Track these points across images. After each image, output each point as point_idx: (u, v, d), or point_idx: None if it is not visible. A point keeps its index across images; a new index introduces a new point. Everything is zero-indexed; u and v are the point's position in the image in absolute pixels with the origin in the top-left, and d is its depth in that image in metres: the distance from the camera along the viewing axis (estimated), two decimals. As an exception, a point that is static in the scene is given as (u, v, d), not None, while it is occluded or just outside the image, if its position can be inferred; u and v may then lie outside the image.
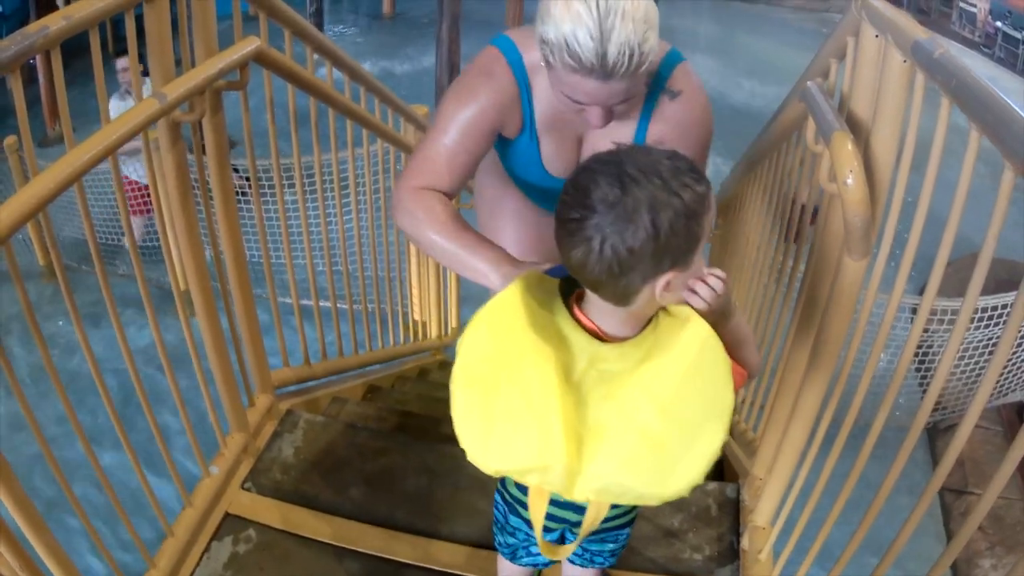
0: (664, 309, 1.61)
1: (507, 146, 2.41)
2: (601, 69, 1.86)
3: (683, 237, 1.44)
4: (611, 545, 2.16)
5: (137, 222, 6.81)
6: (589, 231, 1.41)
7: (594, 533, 2.09)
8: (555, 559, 1.93)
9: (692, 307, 1.59)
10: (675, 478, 1.52)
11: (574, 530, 2.04)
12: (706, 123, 2.28)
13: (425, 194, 2.12)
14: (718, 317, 1.61)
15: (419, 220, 2.08)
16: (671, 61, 2.21)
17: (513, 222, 2.79)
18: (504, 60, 2.19)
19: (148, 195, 6.36)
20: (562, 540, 2.12)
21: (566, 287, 1.67)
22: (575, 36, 1.82)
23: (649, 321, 1.62)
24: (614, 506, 1.97)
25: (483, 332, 1.60)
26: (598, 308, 1.59)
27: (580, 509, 1.88)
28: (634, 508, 2.07)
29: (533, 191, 2.61)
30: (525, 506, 1.99)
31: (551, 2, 1.87)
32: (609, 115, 2.04)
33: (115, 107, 6.38)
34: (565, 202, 1.46)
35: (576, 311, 1.63)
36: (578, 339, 1.58)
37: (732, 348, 1.64)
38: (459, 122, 2.16)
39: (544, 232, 2.70)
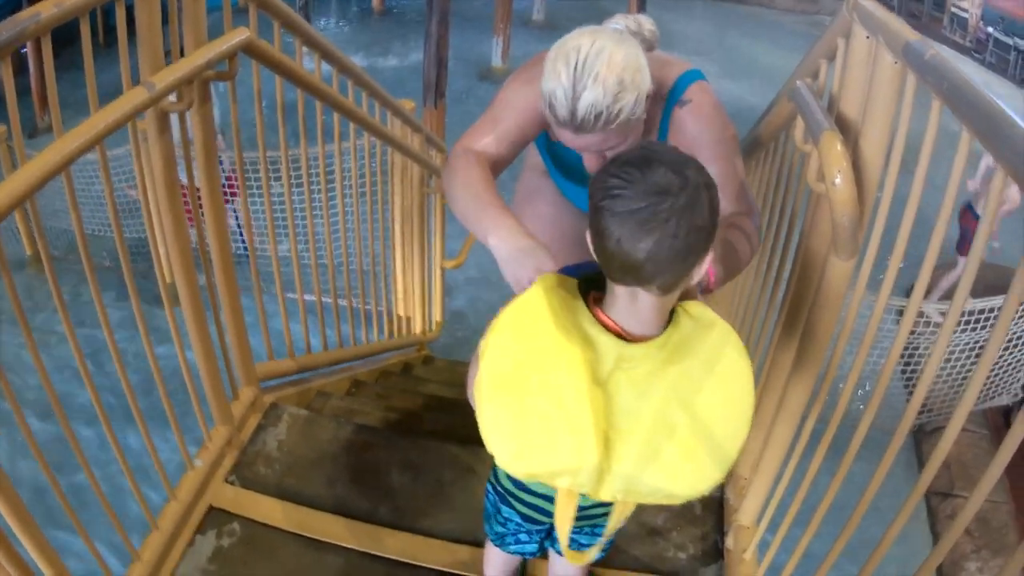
0: (683, 307, 1.62)
1: (551, 146, 2.59)
2: (571, 124, 2.04)
3: (717, 215, 1.50)
4: (601, 538, 2.16)
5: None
6: (664, 215, 1.42)
7: (588, 524, 2.09)
8: (579, 563, 1.94)
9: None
10: (700, 478, 1.55)
11: (584, 528, 2.06)
12: (719, 117, 2.36)
13: (469, 154, 2.27)
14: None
15: (456, 173, 2.21)
16: (687, 79, 2.34)
17: (550, 208, 2.92)
18: None
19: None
20: (550, 532, 2.14)
21: (584, 287, 1.67)
22: (554, 94, 2.02)
23: (668, 320, 1.62)
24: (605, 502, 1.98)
25: (508, 336, 1.60)
26: (620, 308, 1.59)
27: (579, 506, 1.88)
28: None
29: (570, 190, 2.75)
30: (517, 498, 2.02)
31: (549, 57, 2.05)
32: (601, 157, 2.20)
33: None
34: (621, 195, 1.45)
35: (598, 312, 1.62)
36: (603, 340, 1.58)
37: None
38: (517, 97, 2.34)
39: (567, 225, 2.85)
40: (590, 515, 2.04)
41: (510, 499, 2.07)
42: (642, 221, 1.43)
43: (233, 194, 6.04)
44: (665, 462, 1.53)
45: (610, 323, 1.60)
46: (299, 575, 2.71)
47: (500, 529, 2.20)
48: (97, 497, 2.32)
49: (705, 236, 1.47)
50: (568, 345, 1.54)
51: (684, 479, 1.54)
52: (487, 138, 2.31)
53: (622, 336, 1.59)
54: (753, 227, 2.28)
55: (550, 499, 1.92)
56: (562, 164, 2.65)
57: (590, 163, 2.26)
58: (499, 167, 2.33)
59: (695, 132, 2.33)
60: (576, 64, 1.98)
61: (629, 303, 1.56)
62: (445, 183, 2.25)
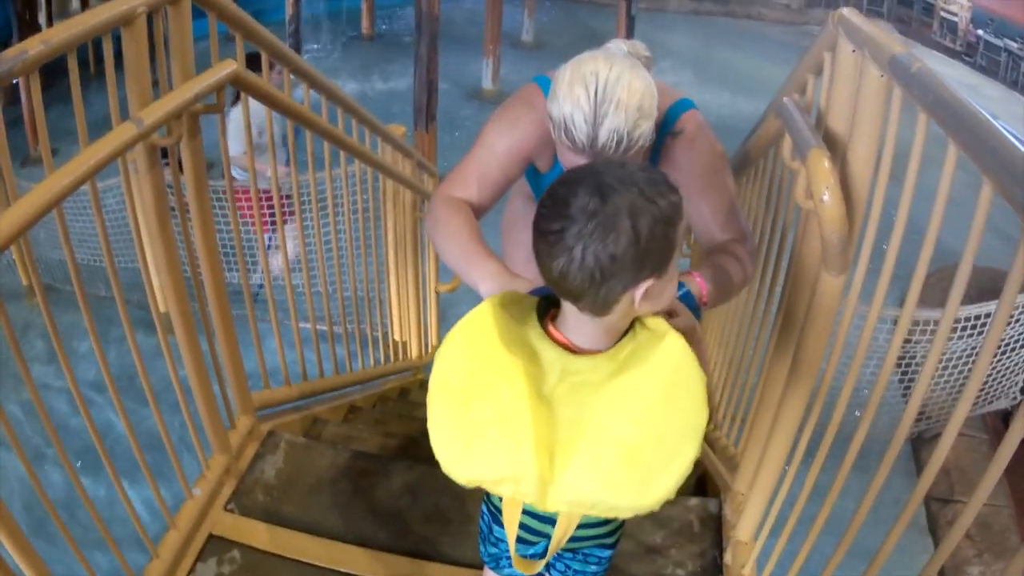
0: (640, 323, 1.63)
1: (538, 178, 2.59)
2: (591, 150, 2.03)
3: (661, 243, 1.48)
4: (593, 567, 2.17)
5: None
6: (570, 240, 1.43)
7: (577, 551, 2.10)
8: (528, 573, 1.94)
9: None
10: (648, 491, 1.53)
11: (576, 555, 2.06)
12: (710, 147, 2.40)
13: (451, 202, 2.30)
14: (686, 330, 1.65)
15: (439, 224, 2.25)
16: (679, 109, 2.39)
17: (527, 233, 2.89)
18: (543, 97, 2.33)
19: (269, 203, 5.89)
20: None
21: (543, 307, 1.69)
22: (572, 118, 2.00)
23: (624, 334, 1.64)
24: (593, 524, 1.99)
25: (458, 346, 1.63)
26: (572, 323, 1.61)
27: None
28: (618, 527, 2.08)
29: None
30: (522, 526, 2.00)
31: (560, 80, 2.05)
32: None
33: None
34: (543, 215, 1.48)
35: (550, 327, 1.65)
36: (549, 352, 1.60)
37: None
38: (499, 142, 2.37)
39: None
40: (577, 539, 2.04)
41: (500, 517, 2.08)
42: (551, 243, 1.46)
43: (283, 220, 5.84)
44: (608, 473, 1.53)
45: (560, 337, 1.63)
46: (300, 602, 2.71)
47: (494, 551, 2.21)
48: (96, 526, 2.33)
49: (627, 263, 1.45)
50: (510, 357, 1.58)
51: (628, 491, 1.54)
52: (470, 188, 2.34)
53: (570, 349, 1.61)
54: (745, 252, 2.30)
55: (538, 517, 1.93)
56: None
57: None
58: (482, 211, 2.37)
59: (686, 163, 2.35)
60: (596, 89, 1.98)
61: (575, 318, 1.59)
62: (431, 232, 2.28)
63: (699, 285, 2.07)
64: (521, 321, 1.66)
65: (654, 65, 2.30)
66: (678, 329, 1.62)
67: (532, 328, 1.65)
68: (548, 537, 1.98)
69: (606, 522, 2.01)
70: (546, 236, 1.47)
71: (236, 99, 6.20)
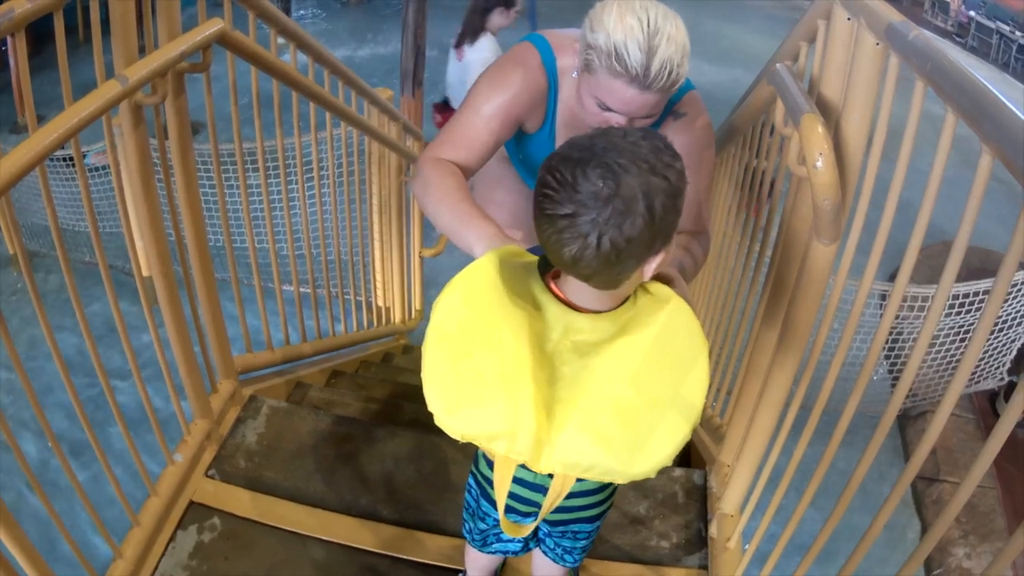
0: (643, 287, 1.62)
1: (524, 139, 2.56)
2: (643, 79, 2.04)
3: (672, 215, 1.47)
4: (583, 542, 2.17)
5: None
6: (584, 227, 1.40)
7: (566, 530, 2.08)
8: (516, 536, 1.92)
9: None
10: (644, 456, 1.51)
11: (566, 532, 2.06)
12: (706, 136, 2.44)
13: (441, 164, 2.26)
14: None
15: (429, 186, 2.19)
16: (682, 88, 2.40)
17: (510, 196, 2.95)
18: (538, 57, 2.36)
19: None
20: (535, 534, 2.14)
21: (544, 265, 1.67)
22: (625, 46, 2.01)
23: (626, 297, 1.62)
24: (586, 492, 1.97)
25: (457, 297, 1.59)
26: (576, 288, 1.58)
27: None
28: (607, 498, 2.06)
29: (532, 181, 2.67)
30: (510, 494, 1.98)
31: (604, 13, 2.06)
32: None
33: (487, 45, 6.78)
34: (550, 196, 1.43)
35: (552, 285, 1.62)
36: (553, 309, 1.58)
37: None
38: (490, 104, 2.33)
39: (524, 213, 2.87)
40: (568, 509, 2.02)
41: (490, 490, 2.06)
42: (563, 228, 1.42)
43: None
44: (606, 436, 1.51)
45: (561, 295, 1.60)
46: (281, 569, 2.69)
47: (481, 525, 2.19)
48: (76, 493, 2.30)
49: (642, 244, 1.44)
50: (514, 308, 1.55)
51: (624, 454, 1.51)
52: (458, 150, 2.31)
53: (573, 307, 1.59)
54: (700, 248, 2.34)
55: (529, 486, 1.90)
56: (527, 162, 2.69)
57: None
58: (470, 173, 2.34)
59: (680, 147, 2.33)
60: (649, 21, 2.01)
61: (579, 282, 1.55)
62: (419, 195, 2.24)
63: None
64: (524, 276, 1.64)
65: None
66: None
67: (536, 283, 1.63)
68: (538, 506, 1.96)
69: (599, 490, 1.99)
70: (554, 220, 1.43)
71: (475, 36, 6.71)
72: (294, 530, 2.80)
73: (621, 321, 1.57)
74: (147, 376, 2.61)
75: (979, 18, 17.89)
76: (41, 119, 2.02)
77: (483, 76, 2.39)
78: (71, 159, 2.25)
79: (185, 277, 2.90)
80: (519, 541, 2.22)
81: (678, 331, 1.56)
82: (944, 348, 6.21)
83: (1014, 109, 1.33)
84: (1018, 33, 16.98)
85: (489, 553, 2.30)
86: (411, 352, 5.93)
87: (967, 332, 6.13)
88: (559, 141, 2.46)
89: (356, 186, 4.47)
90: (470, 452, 2.07)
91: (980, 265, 6.14)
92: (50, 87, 2.59)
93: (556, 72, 2.37)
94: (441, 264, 6.05)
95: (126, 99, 2.20)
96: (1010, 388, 6.48)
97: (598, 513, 2.07)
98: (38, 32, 1.90)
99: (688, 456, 3.54)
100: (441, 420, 1.56)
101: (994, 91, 1.40)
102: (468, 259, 1.74)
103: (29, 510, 2.46)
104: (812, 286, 2.22)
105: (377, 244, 5.22)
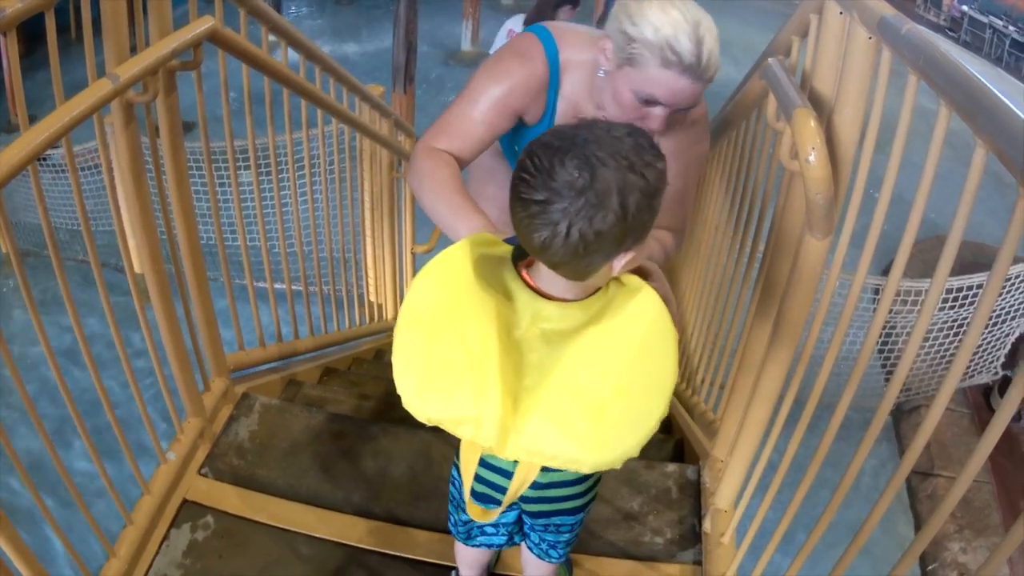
0: (615, 279, 1.62)
1: (522, 132, 2.53)
2: (696, 67, 2.07)
3: (646, 215, 1.46)
4: (566, 535, 2.17)
5: None
6: (555, 215, 1.40)
7: (547, 516, 2.08)
8: (483, 521, 1.92)
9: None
10: (609, 446, 1.52)
11: (526, 507, 2.05)
12: (703, 132, 2.48)
13: (436, 154, 2.26)
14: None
15: (423, 177, 2.20)
16: None
17: (502, 191, 2.87)
18: (541, 49, 2.35)
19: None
20: (520, 528, 2.17)
21: (519, 253, 1.67)
22: (676, 38, 2.04)
23: (598, 288, 1.62)
24: (565, 483, 1.98)
25: (430, 281, 1.61)
26: (547, 276, 1.58)
27: (534, 483, 1.89)
28: (588, 490, 2.05)
29: None
30: (477, 477, 1.98)
31: (646, 6, 2.08)
32: (670, 120, 2.22)
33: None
34: (526, 181, 1.43)
35: (523, 273, 1.62)
36: (522, 296, 1.59)
37: None
38: (488, 95, 2.32)
39: None
40: (548, 500, 2.02)
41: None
42: (535, 214, 1.42)
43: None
44: (570, 424, 1.51)
45: (531, 282, 1.61)
46: (274, 566, 2.69)
47: (464, 517, 2.19)
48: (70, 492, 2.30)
49: (611, 239, 1.44)
50: (483, 295, 1.56)
51: (589, 444, 1.52)
52: (453, 141, 2.30)
53: (542, 295, 1.59)
54: (673, 243, 2.42)
55: (502, 472, 1.90)
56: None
57: (658, 123, 2.22)
58: (464, 164, 2.34)
59: (675, 142, 2.34)
60: (687, 16, 2.05)
61: (551, 272, 1.55)
62: (414, 186, 2.24)
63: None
64: (497, 263, 1.64)
65: None
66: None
67: (508, 271, 1.63)
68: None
69: (579, 481, 1.99)
70: (527, 205, 1.43)
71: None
72: (288, 527, 2.80)
73: (592, 310, 1.57)
74: (139, 375, 2.60)
75: (972, 13, 17.92)
76: (33, 119, 2.02)
77: (483, 67, 2.39)
78: (43, 159, 2.24)
79: (177, 275, 2.89)
80: (503, 534, 2.23)
81: (646, 322, 1.56)
82: (938, 342, 6.22)
83: (1008, 102, 1.33)
84: (1011, 28, 17.01)
85: (474, 547, 2.30)
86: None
87: (961, 326, 6.15)
88: None
89: (348, 183, 4.47)
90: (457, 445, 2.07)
91: (973, 259, 6.13)
92: (42, 87, 2.59)
93: (558, 64, 2.36)
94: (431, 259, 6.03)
95: (117, 97, 2.19)
96: (1005, 383, 6.50)
97: (579, 506, 2.07)
98: (30, 32, 1.89)
99: (681, 451, 3.54)
100: (409, 403, 1.59)
101: (987, 84, 1.40)
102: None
103: (22, 508, 2.45)
104: (805, 280, 2.22)
105: (369, 241, 5.22)
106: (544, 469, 1.66)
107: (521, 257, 1.66)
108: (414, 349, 1.58)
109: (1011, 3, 17.46)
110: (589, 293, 1.61)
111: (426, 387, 1.57)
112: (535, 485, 1.89)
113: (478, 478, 1.95)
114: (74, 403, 2.26)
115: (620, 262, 1.51)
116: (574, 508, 2.06)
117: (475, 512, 1.88)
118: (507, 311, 1.57)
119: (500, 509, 1.84)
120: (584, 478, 2.00)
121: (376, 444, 3.17)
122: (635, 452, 1.53)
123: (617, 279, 1.62)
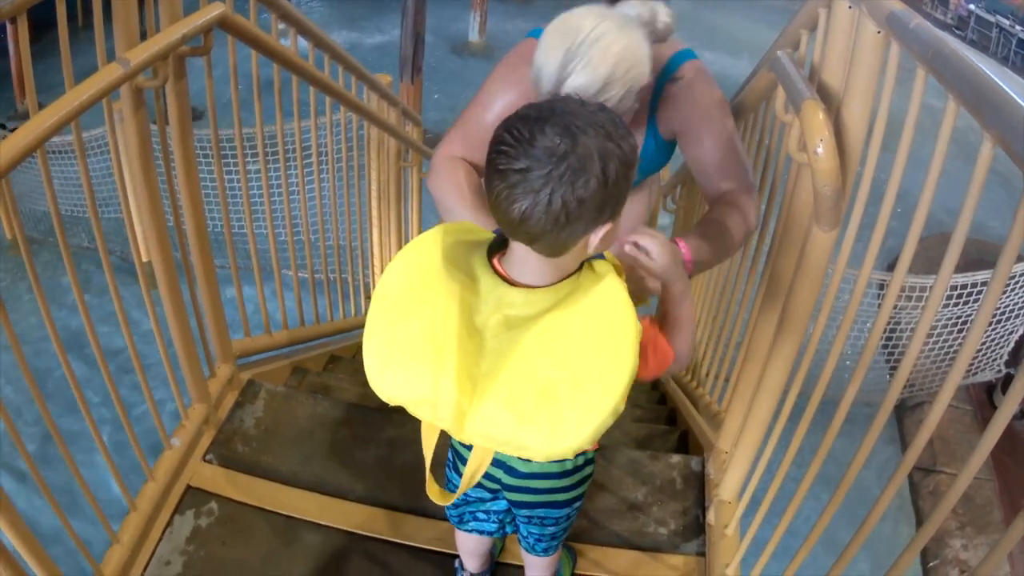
0: (588, 264, 1.62)
1: None
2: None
3: (623, 186, 1.47)
4: (551, 529, 2.17)
5: None
6: (536, 183, 1.39)
7: (531, 507, 2.08)
8: (440, 503, 1.93)
9: (642, 264, 1.72)
10: (561, 436, 1.51)
11: (508, 495, 2.07)
12: (712, 93, 2.38)
13: (452, 161, 2.37)
14: (670, 279, 1.72)
15: (441, 181, 2.34)
16: (681, 58, 2.38)
17: None
18: None
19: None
20: (512, 517, 2.20)
21: (498, 243, 1.66)
22: (541, 70, 2.05)
23: (569, 275, 1.61)
24: (548, 475, 1.99)
25: (401, 265, 1.63)
26: (519, 262, 1.58)
27: (514, 472, 1.96)
28: (576, 484, 2.06)
29: None
30: (462, 457, 2.05)
31: (547, 29, 2.07)
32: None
33: None
34: (505, 152, 1.42)
35: (495, 260, 1.62)
36: (487, 281, 1.59)
37: (669, 328, 1.74)
38: (500, 101, 2.37)
39: None
40: (531, 491, 2.03)
41: (458, 462, 2.10)
42: (515, 183, 1.41)
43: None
44: (524, 411, 1.52)
45: (501, 270, 1.60)
46: (278, 553, 2.70)
47: (459, 500, 2.20)
48: (75, 479, 2.31)
49: (593, 207, 1.43)
50: (447, 280, 1.57)
51: (541, 432, 1.52)
52: (468, 147, 2.37)
53: (509, 282, 1.59)
54: (751, 206, 2.30)
55: (491, 463, 1.92)
56: None
57: None
58: (482, 168, 2.34)
59: (685, 109, 2.34)
60: (571, 45, 1.98)
61: (523, 255, 1.55)
62: (432, 190, 2.34)
63: (683, 254, 2.04)
64: (469, 250, 1.64)
65: (674, 32, 2.27)
66: (651, 269, 1.70)
67: (479, 257, 1.63)
68: (500, 483, 2.02)
69: (563, 474, 2.00)
70: (506, 175, 1.41)
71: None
72: (291, 515, 2.81)
73: (558, 296, 1.56)
74: (145, 362, 2.61)
75: (979, 12, 17.88)
76: (42, 106, 2.02)
77: (494, 72, 2.41)
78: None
79: (184, 262, 2.90)
80: (494, 522, 2.24)
81: (607, 311, 1.55)
82: (942, 339, 6.21)
83: (1016, 97, 1.32)
84: (1018, 27, 16.98)
85: (467, 531, 2.31)
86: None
87: (965, 323, 6.15)
88: None
89: (356, 171, 4.47)
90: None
91: (978, 256, 6.14)
92: (50, 75, 2.60)
93: None
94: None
95: (127, 82, 2.20)
96: (1007, 380, 6.50)
97: (565, 500, 2.07)
98: (38, 19, 1.89)
99: (686, 442, 3.55)
100: (372, 381, 1.62)
101: (996, 79, 1.40)
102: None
103: (23, 495, 2.46)
104: (811, 273, 2.22)
105: (375, 228, 5.22)
106: (526, 460, 1.71)
107: (498, 248, 1.66)
108: (380, 330, 1.60)
109: (1018, 3, 17.44)
110: (561, 277, 1.60)
111: (387, 367, 1.59)
112: (516, 474, 1.94)
113: (449, 462, 2.04)
114: (80, 389, 2.27)
115: (597, 236, 1.50)
116: (560, 502, 2.07)
117: (434, 493, 1.88)
118: (471, 296, 1.57)
119: (457, 493, 1.85)
120: (569, 472, 2.00)
121: (381, 432, 3.17)
122: (588, 445, 1.53)
123: (590, 265, 1.61)
